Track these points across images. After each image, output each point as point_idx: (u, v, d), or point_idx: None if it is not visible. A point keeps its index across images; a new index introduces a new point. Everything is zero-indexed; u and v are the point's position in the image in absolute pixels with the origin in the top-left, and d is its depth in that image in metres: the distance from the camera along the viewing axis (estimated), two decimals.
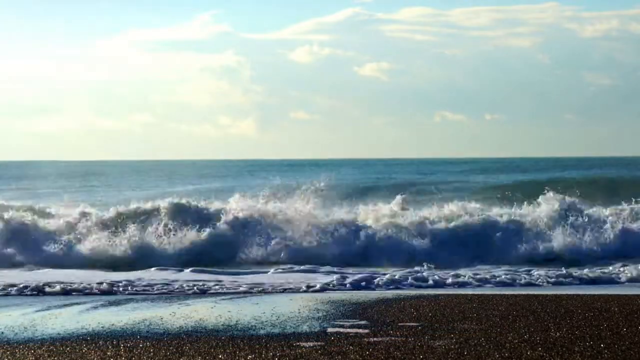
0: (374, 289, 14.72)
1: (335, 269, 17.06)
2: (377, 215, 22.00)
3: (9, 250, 19.53)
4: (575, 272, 16.39)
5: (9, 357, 8.43)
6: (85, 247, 19.83)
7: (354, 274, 16.01)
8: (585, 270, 16.67)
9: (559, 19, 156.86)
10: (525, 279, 15.76)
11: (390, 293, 14.00)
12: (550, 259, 19.27)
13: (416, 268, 16.84)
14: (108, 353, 8.52)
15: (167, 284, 14.91)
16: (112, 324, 10.41)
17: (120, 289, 14.39)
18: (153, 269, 17.26)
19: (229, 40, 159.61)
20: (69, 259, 19.09)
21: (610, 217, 21.60)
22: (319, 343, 8.93)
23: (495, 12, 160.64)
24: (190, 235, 20.30)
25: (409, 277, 15.69)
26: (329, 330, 9.80)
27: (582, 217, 21.41)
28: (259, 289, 14.42)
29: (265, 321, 10.58)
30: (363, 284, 15.10)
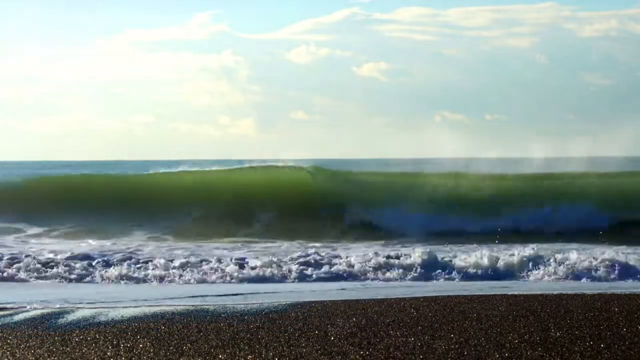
0: None
1: None
2: None
3: None
4: None
5: (9, 357, 8.43)
6: None
7: None
8: None
9: (557, 19, 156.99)
10: None
11: (390, 293, 14.01)
12: None
13: None
14: (108, 353, 8.52)
15: None
16: (114, 325, 10.41)
17: None
18: None
19: (226, 40, 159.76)
20: None
21: None
22: (319, 343, 8.93)
23: (493, 12, 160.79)
24: None
25: None
26: (329, 330, 9.79)
27: None
28: None
29: (266, 321, 10.58)
30: None
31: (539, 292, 13.74)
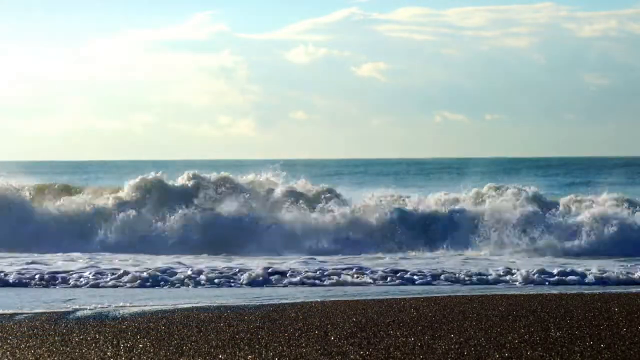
0: None
1: None
2: None
3: None
4: None
5: (9, 357, 8.43)
6: None
7: None
8: None
9: (556, 19, 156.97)
10: None
11: (390, 292, 14.02)
12: None
13: None
14: (108, 353, 8.52)
15: None
16: (114, 325, 10.42)
17: None
18: None
19: (225, 40, 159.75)
20: None
21: None
22: (319, 343, 8.93)
23: (491, 11, 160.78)
24: None
25: None
26: (329, 330, 9.79)
27: None
28: None
29: (266, 321, 10.58)
30: None
31: (538, 292, 13.75)
